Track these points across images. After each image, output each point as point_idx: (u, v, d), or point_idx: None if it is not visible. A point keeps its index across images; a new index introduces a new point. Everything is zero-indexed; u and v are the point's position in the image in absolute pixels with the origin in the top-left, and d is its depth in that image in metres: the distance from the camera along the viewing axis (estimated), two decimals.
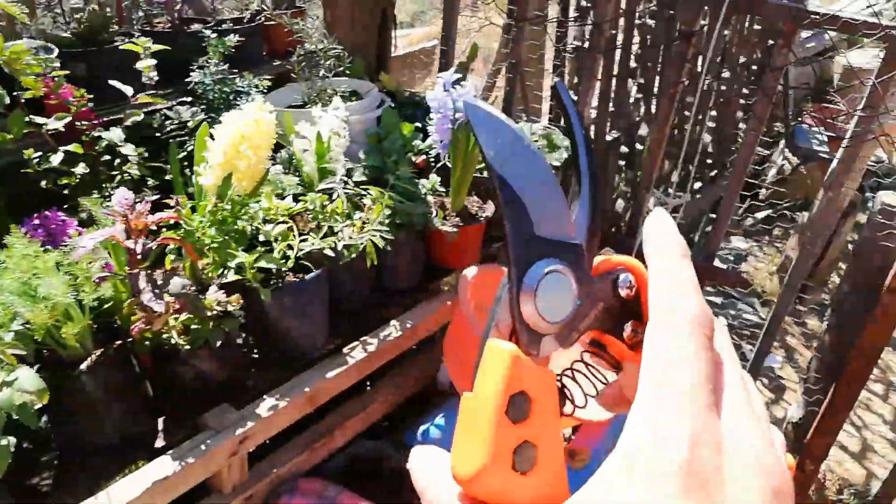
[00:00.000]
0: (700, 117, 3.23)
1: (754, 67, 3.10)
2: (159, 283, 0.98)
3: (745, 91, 3.10)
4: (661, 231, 0.31)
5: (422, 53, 2.28)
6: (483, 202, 1.49)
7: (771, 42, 2.51)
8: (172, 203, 1.08)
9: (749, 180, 1.59)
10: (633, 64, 2.57)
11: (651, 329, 0.28)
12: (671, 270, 0.30)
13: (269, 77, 1.80)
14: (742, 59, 3.02)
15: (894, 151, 3.51)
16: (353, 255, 1.20)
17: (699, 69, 2.73)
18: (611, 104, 2.52)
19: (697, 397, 0.25)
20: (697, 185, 3.47)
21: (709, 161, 3.50)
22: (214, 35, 1.47)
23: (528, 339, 0.29)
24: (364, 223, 1.27)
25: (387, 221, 1.29)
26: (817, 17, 1.29)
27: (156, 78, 1.66)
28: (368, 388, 1.44)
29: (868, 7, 1.41)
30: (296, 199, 1.29)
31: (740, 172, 1.55)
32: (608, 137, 2.58)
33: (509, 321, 0.30)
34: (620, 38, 2.28)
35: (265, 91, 1.54)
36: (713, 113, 3.33)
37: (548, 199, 0.30)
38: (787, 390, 2.61)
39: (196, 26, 1.48)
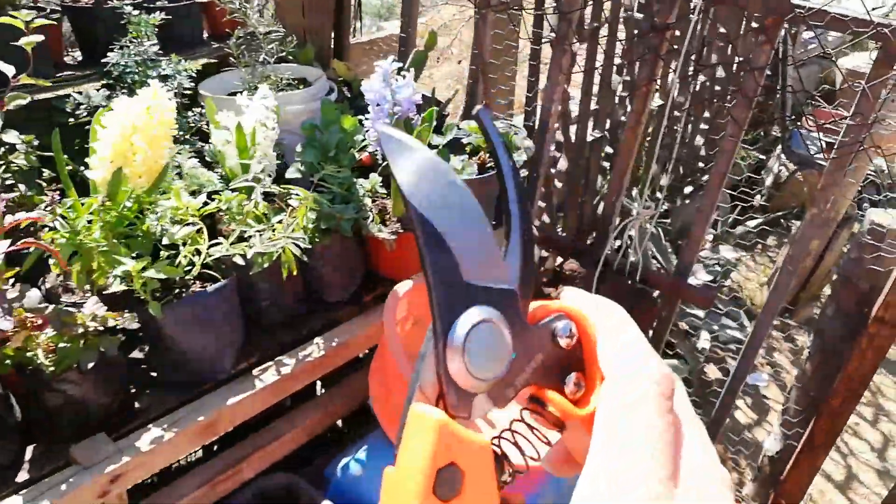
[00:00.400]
0: (692, 118, 3.09)
1: None
2: (13, 295, 0.84)
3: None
4: (589, 295, 0.30)
5: (385, 41, 2.13)
6: None
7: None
8: (47, 200, 0.94)
9: (727, 191, 1.45)
10: (618, 59, 2.42)
11: (608, 395, 0.27)
12: (621, 330, 0.29)
13: (213, 60, 1.66)
14: (739, 59, 2.86)
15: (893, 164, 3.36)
16: (266, 264, 1.06)
17: (689, 69, 2.58)
18: (593, 102, 2.38)
19: (657, 471, 0.25)
20: (689, 189, 3.33)
21: (701, 165, 3.35)
22: (137, 12, 1.33)
23: (458, 401, 0.26)
24: (287, 227, 1.13)
25: (311, 226, 1.15)
26: (802, 11, 1.14)
27: (79, 58, 1.53)
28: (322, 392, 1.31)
29: (875, 9, 1.26)
30: (212, 197, 1.16)
31: (717, 184, 1.41)
32: (589, 137, 2.43)
33: (435, 381, 0.26)
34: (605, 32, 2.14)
35: (194, 76, 1.39)
36: (707, 114, 3.18)
37: (476, 240, 0.27)
38: (770, 411, 2.47)
39: (119, 2, 1.34)
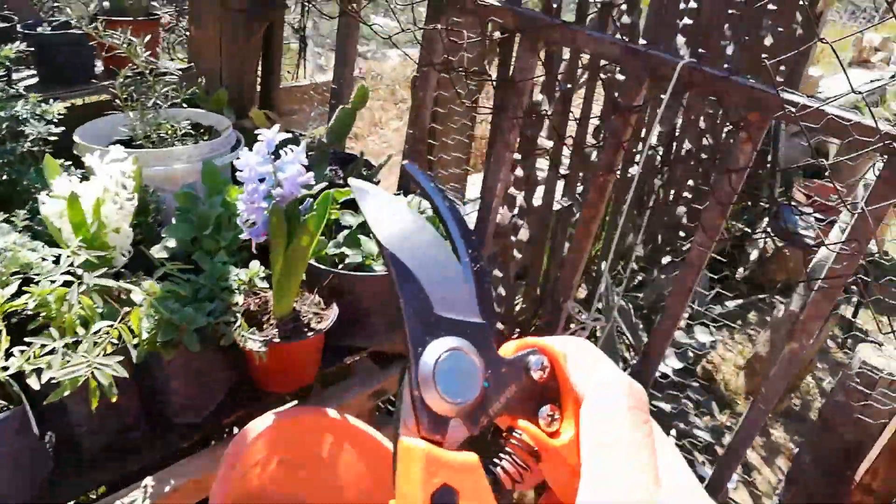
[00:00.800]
0: (674, 190, 2.86)
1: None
2: None
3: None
4: (563, 336, 0.33)
5: (321, 88, 1.90)
6: (327, 304, 1.09)
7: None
8: None
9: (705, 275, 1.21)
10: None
11: (588, 412, 0.29)
12: (592, 358, 0.31)
13: (106, 98, 1.41)
14: (716, 153, 2.65)
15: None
16: (68, 392, 0.80)
17: (674, 151, 2.37)
18: (562, 168, 2.15)
19: (644, 480, 0.26)
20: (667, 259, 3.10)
21: (682, 234, 3.13)
22: None
23: (432, 424, 0.28)
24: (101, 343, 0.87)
25: (146, 336, 0.89)
26: (793, 110, 0.91)
27: None
28: None
29: (871, 82, 1.03)
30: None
31: (681, 302, 1.17)
32: (556, 206, 2.20)
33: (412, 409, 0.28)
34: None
35: (56, 122, 1.14)
36: (690, 183, 2.96)
37: (447, 279, 0.30)
38: None
39: None
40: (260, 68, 1.58)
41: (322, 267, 1.11)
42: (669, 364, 2.47)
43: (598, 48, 1.09)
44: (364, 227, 1.19)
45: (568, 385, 0.31)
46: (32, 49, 1.28)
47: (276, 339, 1.00)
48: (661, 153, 2.43)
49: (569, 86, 1.83)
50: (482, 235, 1.37)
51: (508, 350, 0.31)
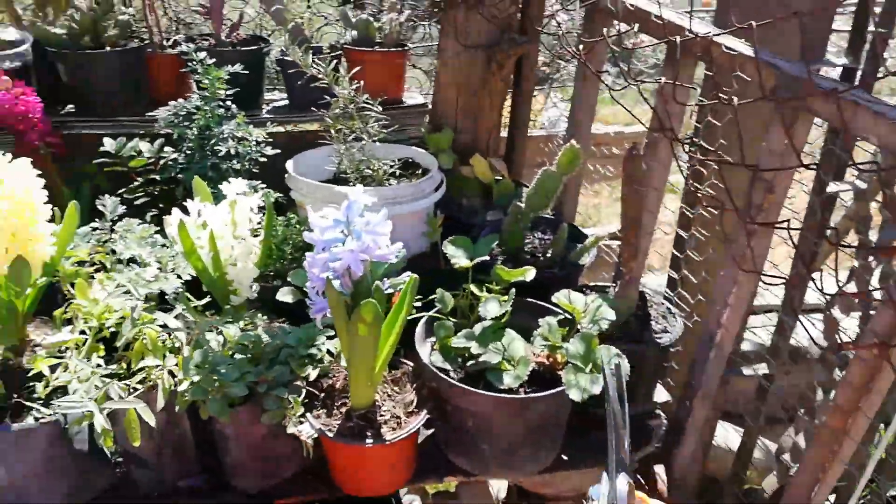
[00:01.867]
0: None
1: None
2: None
3: None
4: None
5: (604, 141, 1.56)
6: (420, 407, 0.87)
7: None
8: None
9: None
10: None
11: None
12: None
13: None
14: None
15: None
16: (78, 428, 0.76)
17: None
18: None
19: None
20: None
21: None
22: (212, 60, 1.14)
23: None
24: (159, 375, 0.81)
25: (183, 388, 0.81)
26: None
27: None
28: None
29: None
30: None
31: None
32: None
33: None
34: None
35: (262, 143, 1.16)
36: None
37: (622, 433, 0.53)
38: None
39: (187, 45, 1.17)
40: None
41: (425, 363, 0.90)
42: None
43: (890, 136, 0.64)
44: (520, 314, 0.94)
45: None
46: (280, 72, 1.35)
47: (329, 434, 0.82)
48: None
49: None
50: (698, 379, 0.97)
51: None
